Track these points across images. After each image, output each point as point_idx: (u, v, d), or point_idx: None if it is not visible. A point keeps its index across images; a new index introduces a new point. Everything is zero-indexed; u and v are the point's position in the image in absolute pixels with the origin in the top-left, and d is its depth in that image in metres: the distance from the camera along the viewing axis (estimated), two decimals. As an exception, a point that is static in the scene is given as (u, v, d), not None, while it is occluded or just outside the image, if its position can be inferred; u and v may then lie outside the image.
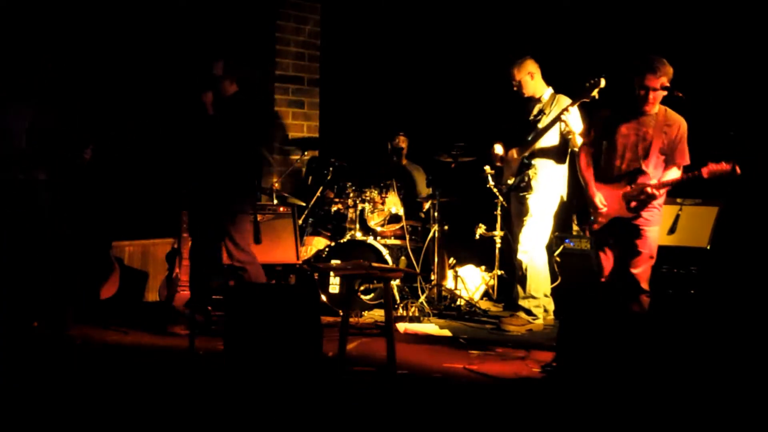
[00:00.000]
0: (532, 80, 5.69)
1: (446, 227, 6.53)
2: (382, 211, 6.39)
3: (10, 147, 4.58)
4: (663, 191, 4.65)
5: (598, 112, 4.96)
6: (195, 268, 5.11)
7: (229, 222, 5.01)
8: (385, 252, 6.08)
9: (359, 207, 6.33)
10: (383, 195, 6.38)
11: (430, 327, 5.68)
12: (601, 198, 4.76)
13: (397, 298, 6.09)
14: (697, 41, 5.93)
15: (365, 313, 6.15)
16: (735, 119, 5.07)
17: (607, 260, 4.83)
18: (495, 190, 6.15)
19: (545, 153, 5.64)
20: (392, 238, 6.59)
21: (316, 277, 6.03)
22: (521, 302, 5.70)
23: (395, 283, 6.06)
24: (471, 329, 5.75)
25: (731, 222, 5.51)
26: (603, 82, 5.09)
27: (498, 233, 6.54)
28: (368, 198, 6.34)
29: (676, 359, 3.84)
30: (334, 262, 5.94)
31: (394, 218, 6.51)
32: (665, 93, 4.59)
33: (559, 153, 5.61)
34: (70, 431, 3.51)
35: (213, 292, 5.33)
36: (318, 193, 6.58)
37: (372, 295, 6.12)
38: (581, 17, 6.63)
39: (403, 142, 7.09)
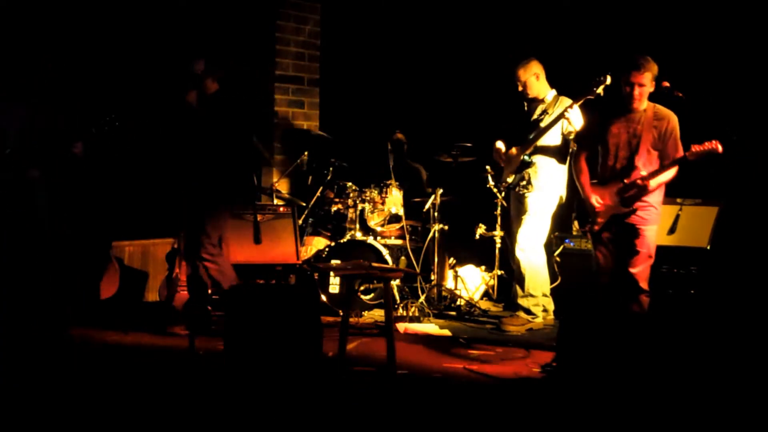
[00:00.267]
0: (537, 81, 5.70)
1: (446, 227, 6.53)
2: (382, 211, 6.39)
3: (3, 147, 4.57)
4: (656, 185, 4.68)
5: (591, 120, 5.02)
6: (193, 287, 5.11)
7: (206, 213, 4.97)
8: (385, 252, 6.08)
9: (359, 207, 6.33)
10: (383, 195, 6.38)
11: (430, 327, 5.68)
12: (597, 197, 4.81)
13: (397, 298, 6.09)
14: (697, 41, 5.93)
15: (365, 313, 6.15)
16: (735, 119, 5.07)
17: (607, 261, 4.84)
18: (495, 189, 6.15)
19: (546, 152, 5.65)
20: (392, 238, 6.59)
21: (316, 277, 6.02)
22: (520, 301, 5.70)
23: (395, 283, 6.06)
24: (471, 329, 5.75)
25: (731, 222, 5.51)
26: (609, 79, 5.12)
27: (498, 233, 6.54)
28: (368, 198, 6.34)
29: (676, 359, 3.84)
30: (334, 262, 5.94)
31: (394, 218, 6.50)
32: (652, 89, 4.68)
33: (559, 153, 5.62)
34: (70, 431, 3.51)
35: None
36: (318, 193, 6.58)
37: (372, 295, 6.12)
38: (581, 17, 6.63)
39: (401, 137, 7.07)
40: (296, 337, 4.05)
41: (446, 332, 5.55)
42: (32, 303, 4.89)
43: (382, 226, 6.48)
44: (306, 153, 6.75)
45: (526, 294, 5.69)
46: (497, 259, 6.60)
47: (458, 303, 6.38)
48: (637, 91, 4.63)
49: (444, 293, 6.50)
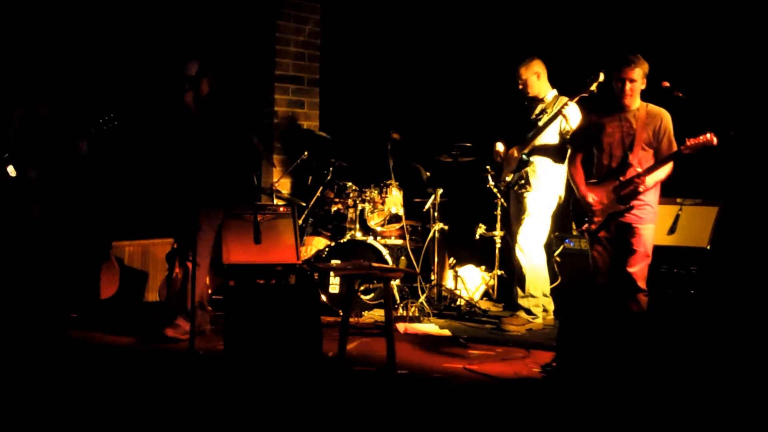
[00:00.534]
0: (538, 80, 5.72)
1: (446, 227, 6.53)
2: (382, 211, 6.39)
3: (2, 147, 4.56)
4: (653, 183, 4.69)
5: (584, 120, 5.03)
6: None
7: (202, 214, 4.95)
8: (385, 252, 6.08)
9: (359, 207, 6.33)
10: (383, 195, 6.38)
11: (430, 327, 5.69)
12: (593, 196, 4.81)
13: (397, 298, 6.10)
14: (697, 41, 5.93)
15: (365, 313, 6.15)
16: (734, 118, 5.07)
17: (604, 261, 4.84)
18: (495, 189, 6.16)
19: (544, 151, 5.66)
20: (392, 238, 6.59)
21: (316, 277, 6.02)
22: (520, 301, 5.71)
23: (395, 283, 6.06)
24: (471, 329, 5.75)
25: (731, 222, 5.51)
26: (602, 77, 5.18)
27: (498, 233, 6.54)
28: (368, 198, 6.34)
29: (675, 359, 3.84)
30: (334, 262, 5.94)
31: (394, 218, 6.51)
32: (643, 86, 4.71)
33: (557, 152, 5.62)
34: (70, 431, 3.51)
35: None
36: (318, 193, 6.58)
37: (372, 295, 6.12)
38: (581, 17, 6.63)
39: (397, 137, 7.06)
40: (296, 337, 4.05)
41: (446, 332, 5.55)
42: (31, 303, 4.88)
43: (382, 226, 6.49)
44: (306, 153, 6.75)
45: (526, 294, 5.69)
46: (497, 259, 6.60)
47: (458, 303, 6.38)
48: (628, 86, 4.66)
49: (444, 293, 6.50)
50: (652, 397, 3.70)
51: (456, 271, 6.64)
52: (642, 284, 4.70)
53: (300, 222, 6.26)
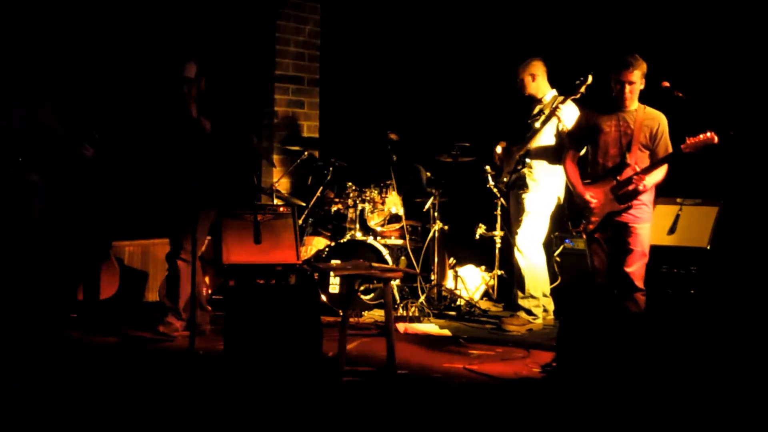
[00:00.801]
0: (533, 81, 5.74)
1: (446, 227, 6.53)
2: (382, 211, 6.39)
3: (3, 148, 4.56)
4: (651, 185, 4.69)
5: (581, 117, 5.03)
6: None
7: (198, 215, 4.93)
8: (385, 252, 6.08)
9: (359, 207, 6.33)
10: (383, 195, 6.38)
11: (430, 327, 5.69)
12: (592, 194, 4.80)
13: (397, 298, 6.10)
14: (697, 41, 5.93)
15: (365, 313, 6.15)
16: (735, 119, 5.07)
17: (601, 261, 4.84)
18: (495, 190, 6.16)
19: (541, 152, 5.66)
20: (392, 238, 6.59)
21: (316, 277, 6.02)
22: (521, 302, 5.71)
23: (395, 283, 6.06)
24: (471, 329, 5.75)
25: (731, 222, 5.51)
26: (590, 79, 5.22)
27: (498, 233, 6.54)
28: (368, 198, 6.34)
29: (675, 359, 3.84)
30: (334, 262, 5.94)
31: (394, 218, 6.51)
32: (642, 87, 4.71)
33: (554, 153, 5.61)
34: (70, 431, 3.51)
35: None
36: (318, 193, 6.58)
37: (372, 295, 6.12)
38: (581, 17, 6.63)
39: (394, 137, 7.06)
40: (296, 337, 4.05)
41: (446, 332, 5.55)
42: (31, 303, 4.88)
43: (382, 226, 6.49)
44: (306, 153, 6.75)
45: (526, 295, 5.69)
46: (497, 259, 6.60)
47: (458, 303, 6.38)
48: (627, 89, 4.66)
49: (444, 293, 6.50)
50: (652, 397, 3.70)
51: (456, 271, 6.64)
52: (639, 284, 4.69)
53: (300, 222, 6.26)
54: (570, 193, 5.11)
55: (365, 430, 3.59)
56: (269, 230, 5.75)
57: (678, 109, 4.69)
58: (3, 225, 4.56)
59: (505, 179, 5.84)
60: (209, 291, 6.10)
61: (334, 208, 6.50)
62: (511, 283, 6.08)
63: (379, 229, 6.46)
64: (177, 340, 5.06)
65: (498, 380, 4.32)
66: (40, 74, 4.77)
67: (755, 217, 5.47)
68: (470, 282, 6.58)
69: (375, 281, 5.96)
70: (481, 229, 6.69)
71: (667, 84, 4.70)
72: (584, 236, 4.95)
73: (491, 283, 6.69)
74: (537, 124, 5.62)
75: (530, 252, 5.67)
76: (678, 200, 5.64)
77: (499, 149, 5.93)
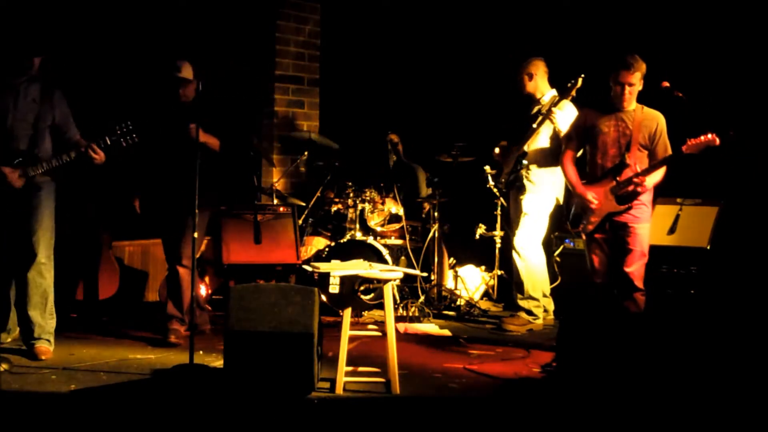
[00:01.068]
0: (530, 81, 5.75)
1: (446, 227, 6.52)
2: (382, 211, 6.39)
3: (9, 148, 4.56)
4: (651, 186, 4.69)
5: (579, 117, 5.04)
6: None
7: (190, 220, 4.90)
8: (385, 252, 6.07)
9: (359, 207, 6.33)
10: (383, 195, 6.38)
11: (430, 327, 5.69)
12: (592, 194, 4.79)
13: (397, 298, 6.09)
14: (697, 41, 5.94)
15: (365, 313, 6.15)
16: (735, 119, 5.08)
17: (601, 261, 4.85)
18: (495, 190, 6.16)
19: (538, 153, 5.67)
20: (392, 238, 6.59)
21: (316, 277, 6.02)
22: (521, 302, 5.71)
23: (395, 284, 6.05)
24: (471, 329, 5.75)
25: (731, 222, 5.51)
26: (580, 82, 5.23)
27: (498, 233, 6.54)
28: (368, 198, 6.34)
29: (675, 359, 3.84)
30: (334, 262, 5.92)
31: (394, 218, 6.51)
32: (641, 88, 4.71)
33: (551, 153, 5.61)
34: None
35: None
36: (318, 193, 6.58)
37: (372, 295, 6.12)
38: (581, 17, 6.63)
39: (395, 138, 7.07)
40: (296, 337, 4.04)
41: (446, 332, 5.55)
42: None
43: (382, 226, 6.48)
44: (306, 153, 6.75)
45: (526, 296, 5.69)
46: (497, 259, 6.60)
47: (458, 303, 6.38)
48: (627, 90, 4.67)
49: (444, 293, 6.50)
50: (652, 397, 3.70)
51: (456, 271, 6.64)
52: (639, 283, 4.70)
53: (300, 222, 6.26)
54: (569, 193, 5.11)
55: (365, 430, 3.59)
56: (269, 230, 5.75)
57: (678, 110, 4.69)
58: (3, 224, 4.55)
59: (504, 179, 5.85)
60: (209, 291, 6.10)
61: (334, 208, 6.49)
62: (510, 283, 6.08)
63: (379, 229, 6.46)
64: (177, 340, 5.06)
65: (498, 380, 4.32)
66: (41, 74, 4.76)
67: (755, 217, 5.48)
68: (470, 282, 6.58)
69: (375, 281, 5.95)
70: (481, 229, 6.69)
71: (667, 84, 4.71)
72: (583, 237, 4.95)
73: (491, 283, 6.70)
74: (534, 125, 5.62)
75: (528, 253, 5.67)
76: (678, 200, 5.64)
77: (498, 149, 5.94)
